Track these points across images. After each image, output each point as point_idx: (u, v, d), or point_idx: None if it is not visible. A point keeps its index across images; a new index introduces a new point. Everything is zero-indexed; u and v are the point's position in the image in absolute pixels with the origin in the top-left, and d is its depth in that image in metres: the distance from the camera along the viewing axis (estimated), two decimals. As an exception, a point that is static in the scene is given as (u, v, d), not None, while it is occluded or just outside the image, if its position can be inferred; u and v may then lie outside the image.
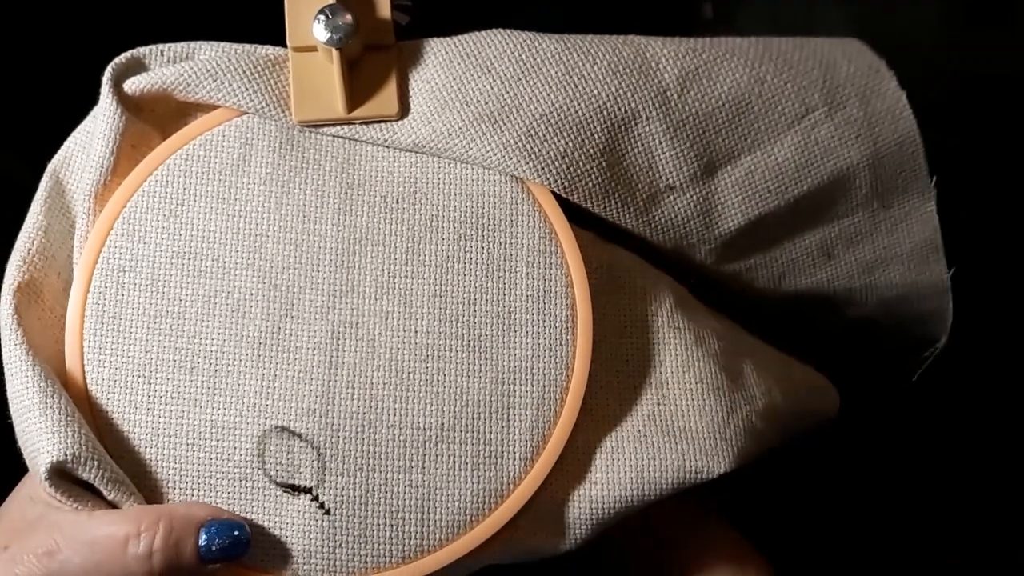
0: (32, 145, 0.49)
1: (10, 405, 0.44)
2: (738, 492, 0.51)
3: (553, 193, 0.47)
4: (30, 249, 0.46)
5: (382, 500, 0.44)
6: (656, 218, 0.48)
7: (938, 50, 0.72)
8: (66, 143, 0.48)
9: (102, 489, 0.42)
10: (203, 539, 0.41)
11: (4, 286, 0.45)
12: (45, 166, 0.48)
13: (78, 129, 0.48)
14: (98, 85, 0.46)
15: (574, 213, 0.48)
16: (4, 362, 0.44)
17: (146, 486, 0.43)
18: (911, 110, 0.50)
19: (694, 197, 0.48)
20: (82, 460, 0.41)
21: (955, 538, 0.63)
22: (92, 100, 0.47)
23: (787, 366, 0.52)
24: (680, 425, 0.47)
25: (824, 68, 0.50)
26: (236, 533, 0.42)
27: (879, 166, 0.50)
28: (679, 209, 0.48)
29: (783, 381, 0.51)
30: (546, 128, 0.46)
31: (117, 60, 0.47)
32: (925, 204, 0.51)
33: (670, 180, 0.48)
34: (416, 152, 0.47)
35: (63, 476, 0.42)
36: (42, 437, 0.42)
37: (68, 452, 0.41)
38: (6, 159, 0.59)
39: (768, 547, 0.54)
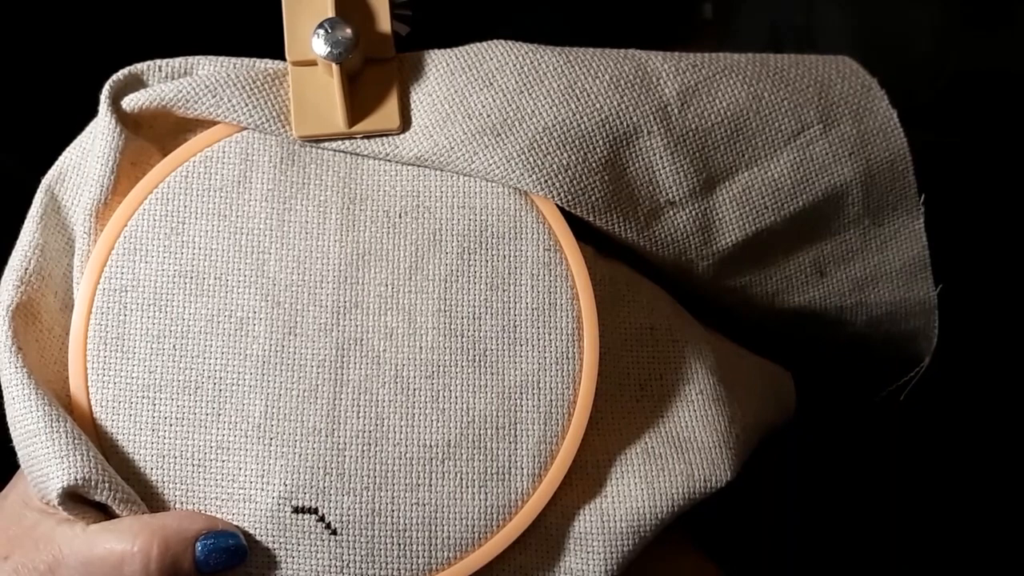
0: (32, 147, 0.48)
1: (11, 430, 0.43)
2: (715, 518, 0.51)
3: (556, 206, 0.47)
4: (27, 268, 0.45)
5: (389, 519, 0.43)
6: (657, 233, 0.48)
7: (937, 50, 0.72)
8: (61, 159, 0.48)
9: (116, 509, 0.42)
10: (200, 552, 0.41)
11: (0, 307, 0.44)
12: (45, 167, 0.47)
13: (73, 145, 0.48)
14: (97, 90, 0.46)
15: (572, 229, 0.47)
16: (3, 386, 0.44)
17: (153, 507, 0.43)
18: (902, 129, 0.50)
19: (694, 212, 0.48)
20: (93, 483, 0.41)
21: (951, 543, 0.63)
22: (93, 104, 0.47)
23: (762, 369, 0.53)
24: (685, 436, 0.47)
25: (819, 86, 0.50)
26: (232, 543, 0.42)
27: (871, 183, 0.50)
28: (679, 224, 0.48)
29: (764, 389, 0.51)
30: (549, 141, 0.46)
31: (115, 77, 0.46)
32: (914, 222, 0.51)
33: (670, 195, 0.48)
34: (418, 166, 0.47)
35: (74, 498, 0.42)
36: (51, 462, 0.41)
37: (79, 476, 0.41)
38: (6, 160, 0.58)
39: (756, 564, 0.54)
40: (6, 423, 0.44)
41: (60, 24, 0.57)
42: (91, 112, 0.47)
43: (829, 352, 0.55)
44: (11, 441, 0.44)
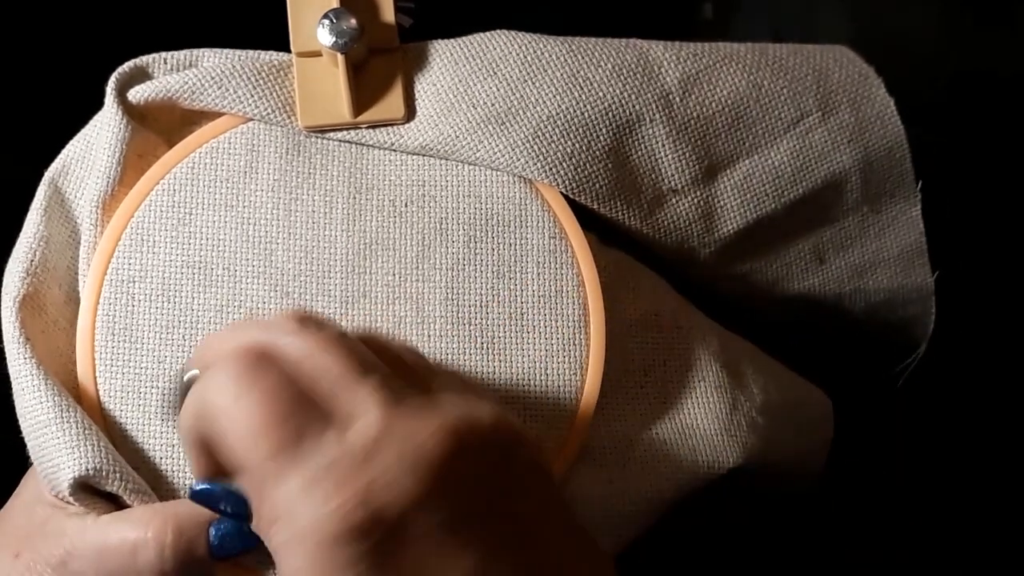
0: (30, 145, 0.49)
1: (21, 421, 0.43)
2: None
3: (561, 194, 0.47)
4: (32, 260, 0.45)
5: None
6: (660, 220, 0.48)
7: (938, 50, 0.72)
8: (64, 151, 0.48)
9: (126, 500, 0.41)
10: (214, 537, 0.41)
11: (6, 299, 0.44)
12: (42, 165, 0.47)
13: (77, 137, 0.48)
14: (97, 86, 0.46)
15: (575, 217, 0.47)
16: (12, 378, 0.43)
17: (163, 497, 0.43)
18: (899, 116, 0.51)
19: (696, 200, 0.49)
20: (104, 473, 0.41)
21: (947, 538, 0.63)
22: (92, 99, 0.47)
23: (779, 367, 0.53)
24: (688, 423, 0.47)
25: (817, 74, 0.51)
26: (246, 527, 0.42)
27: (869, 171, 0.51)
28: (681, 211, 0.49)
29: (776, 378, 0.51)
30: (553, 129, 0.46)
31: (120, 70, 0.46)
32: (911, 208, 0.52)
33: (673, 183, 0.48)
34: (423, 155, 0.47)
35: (85, 489, 0.41)
36: (62, 453, 0.41)
37: (90, 466, 0.41)
38: (3, 159, 0.58)
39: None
40: (13, 418, 0.44)
41: (61, 20, 0.58)
42: (91, 109, 0.47)
43: (827, 340, 0.55)
44: (19, 433, 0.44)
